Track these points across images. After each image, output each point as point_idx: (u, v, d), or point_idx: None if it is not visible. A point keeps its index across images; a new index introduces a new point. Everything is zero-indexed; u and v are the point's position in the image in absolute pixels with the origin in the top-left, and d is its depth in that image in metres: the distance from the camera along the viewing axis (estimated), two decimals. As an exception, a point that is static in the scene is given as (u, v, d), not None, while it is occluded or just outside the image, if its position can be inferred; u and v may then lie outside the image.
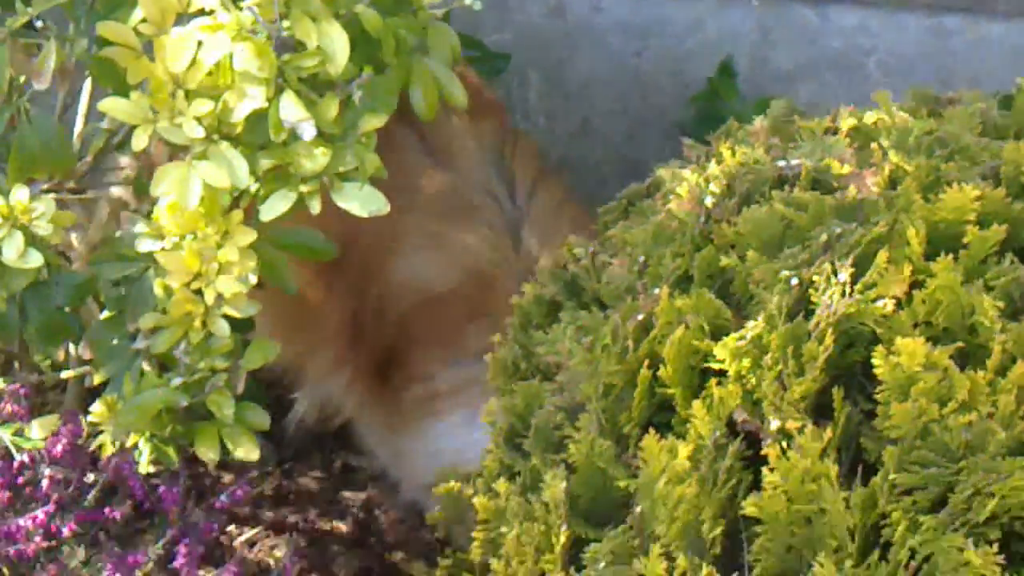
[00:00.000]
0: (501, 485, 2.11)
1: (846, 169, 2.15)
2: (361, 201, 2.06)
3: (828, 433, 1.86)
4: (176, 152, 2.10)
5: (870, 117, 2.28)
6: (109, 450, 2.15)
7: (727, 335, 1.96)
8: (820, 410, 1.91)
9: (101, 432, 2.17)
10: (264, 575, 2.30)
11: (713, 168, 2.22)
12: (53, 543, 2.07)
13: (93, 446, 2.15)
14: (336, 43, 2.02)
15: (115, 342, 2.18)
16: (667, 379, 1.99)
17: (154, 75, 2.03)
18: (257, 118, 2.04)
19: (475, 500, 2.13)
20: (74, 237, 2.67)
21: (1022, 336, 1.90)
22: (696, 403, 1.94)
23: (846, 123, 2.28)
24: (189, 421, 2.15)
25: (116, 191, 2.59)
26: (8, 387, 2.22)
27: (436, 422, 2.67)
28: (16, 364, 2.44)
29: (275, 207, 2.07)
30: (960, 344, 1.90)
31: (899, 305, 1.93)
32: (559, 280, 2.30)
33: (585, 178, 3.19)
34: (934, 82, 2.92)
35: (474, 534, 2.14)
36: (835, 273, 1.96)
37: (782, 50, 3.26)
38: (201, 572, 2.17)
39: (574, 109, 3.39)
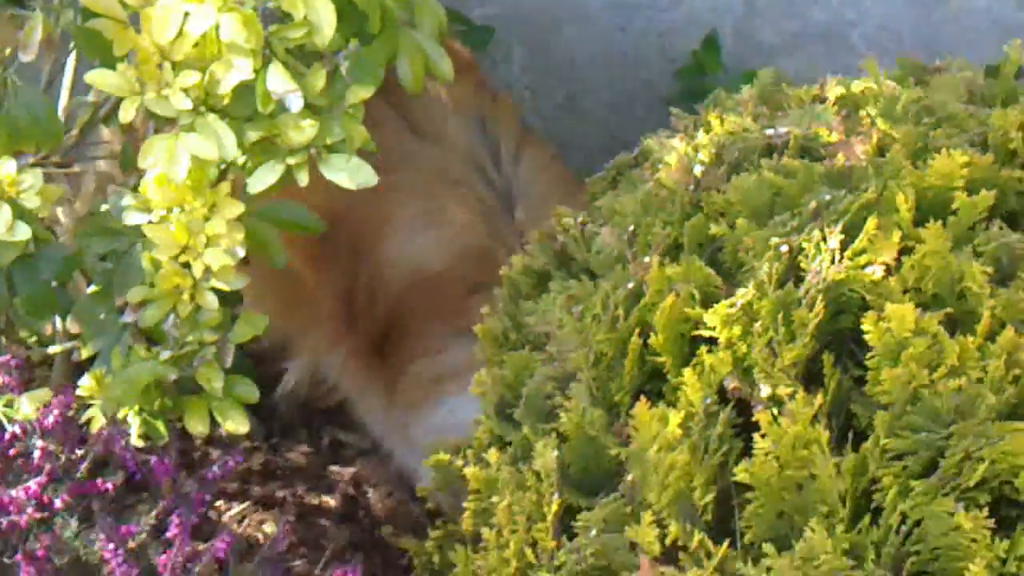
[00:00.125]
0: (492, 455, 2.11)
1: (834, 137, 2.16)
2: (349, 173, 2.05)
3: (819, 399, 1.87)
4: (162, 125, 2.09)
5: (857, 86, 2.29)
6: (99, 424, 2.15)
7: (717, 303, 1.96)
8: (811, 376, 1.91)
9: (91, 406, 2.16)
10: (253, 550, 2.29)
11: (702, 137, 2.22)
12: (46, 514, 2.07)
13: (83, 419, 2.15)
14: (323, 14, 2.01)
15: (103, 316, 2.17)
16: (658, 347, 1.99)
17: (140, 47, 2.02)
18: (244, 90, 2.03)
19: (466, 470, 2.13)
20: (60, 211, 2.66)
21: (1011, 301, 1.90)
22: (687, 371, 1.94)
23: (834, 92, 2.29)
24: (178, 395, 2.14)
25: (102, 164, 2.58)
26: (-1, 359, 2.21)
27: (445, 397, 2.66)
28: (2, 339, 2.43)
29: (263, 179, 2.06)
30: (949, 310, 1.91)
31: (888, 271, 1.94)
32: (548, 251, 2.30)
33: (571, 153, 3.18)
34: (919, 54, 2.91)
35: (465, 504, 2.14)
36: (825, 240, 1.96)
37: (767, 23, 3.26)
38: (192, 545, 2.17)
39: (559, 84, 3.39)
